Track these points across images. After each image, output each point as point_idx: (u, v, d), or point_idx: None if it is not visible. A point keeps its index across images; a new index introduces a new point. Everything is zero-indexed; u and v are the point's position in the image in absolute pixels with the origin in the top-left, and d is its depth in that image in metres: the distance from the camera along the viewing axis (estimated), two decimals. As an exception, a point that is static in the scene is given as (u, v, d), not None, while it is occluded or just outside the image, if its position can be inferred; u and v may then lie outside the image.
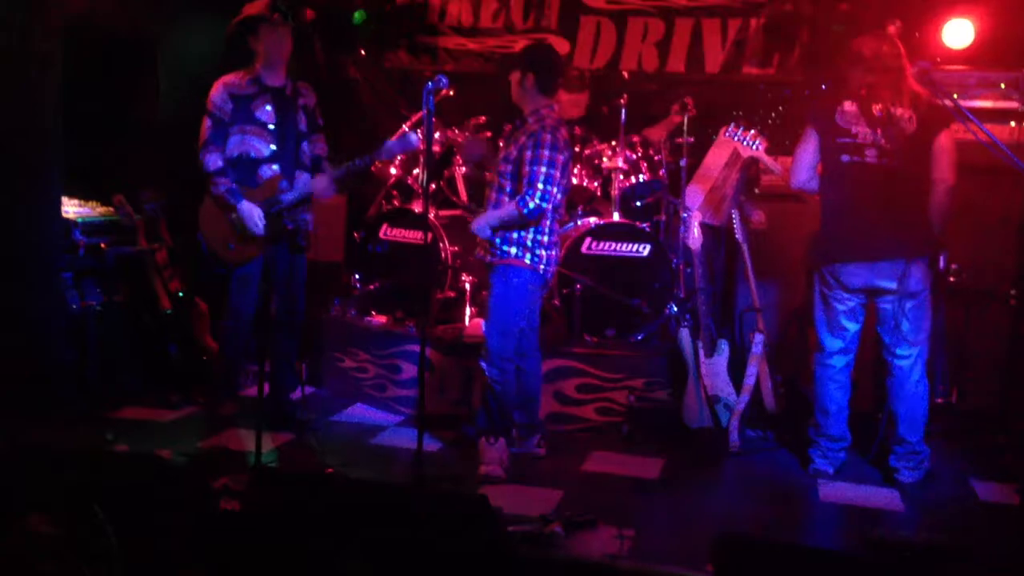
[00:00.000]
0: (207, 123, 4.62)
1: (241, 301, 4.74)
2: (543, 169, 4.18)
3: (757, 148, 4.89)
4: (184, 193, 5.74)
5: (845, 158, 4.20)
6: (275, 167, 4.67)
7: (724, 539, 2.83)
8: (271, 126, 4.67)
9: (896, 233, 4.13)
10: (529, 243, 4.30)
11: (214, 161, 4.61)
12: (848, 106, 4.21)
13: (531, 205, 4.18)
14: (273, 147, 4.67)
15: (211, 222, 4.70)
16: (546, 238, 4.33)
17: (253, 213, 4.59)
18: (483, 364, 4.37)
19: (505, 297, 4.32)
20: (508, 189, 4.31)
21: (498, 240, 4.33)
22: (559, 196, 4.33)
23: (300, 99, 4.76)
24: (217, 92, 4.63)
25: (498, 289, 4.35)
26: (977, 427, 4.83)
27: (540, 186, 4.18)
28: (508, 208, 4.25)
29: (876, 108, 4.14)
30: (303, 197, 4.73)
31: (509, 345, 4.36)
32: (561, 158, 4.24)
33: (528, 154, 4.21)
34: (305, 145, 4.79)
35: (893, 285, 4.15)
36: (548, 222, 4.35)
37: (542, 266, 4.34)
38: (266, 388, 5.18)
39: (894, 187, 4.13)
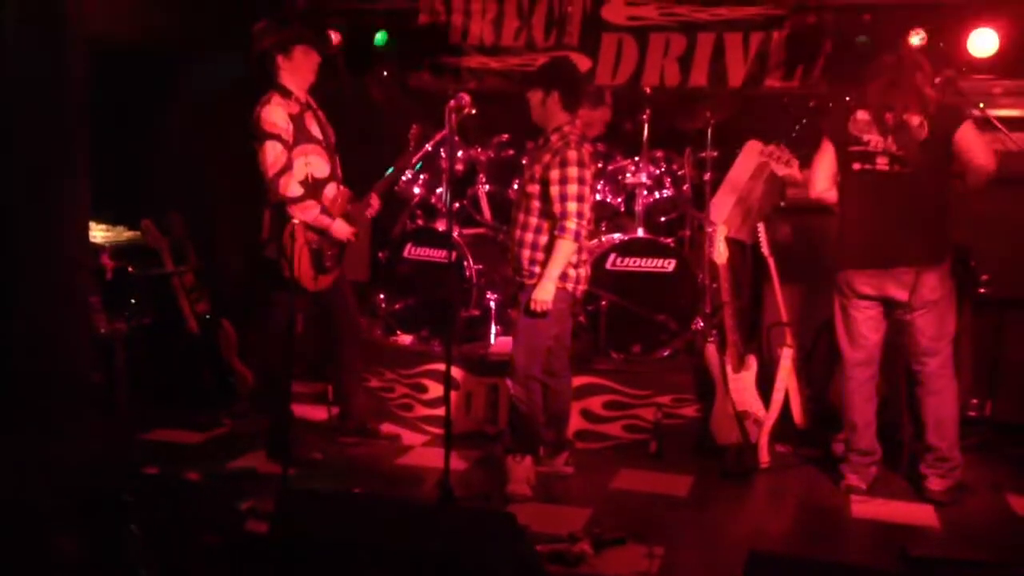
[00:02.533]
0: (278, 148, 4.39)
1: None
2: (573, 188, 4.12)
3: (791, 165, 4.82)
4: (209, 215, 5.81)
5: (857, 166, 4.21)
6: (333, 184, 4.62)
7: (756, 557, 2.79)
8: (324, 142, 4.59)
9: (906, 241, 4.11)
10: None
11: (295, 188, 4.43)
12: (861, 115, 4.21)
13: (571, 226, 4.13)
14: (328, 164, 4.60)
15: (298, 253, 4.42)
16: (574, 256, 4.29)
17: (345, 227, 4.61)
18: (509, 382, 4.35)
19: (532, 316, 4.30)
20: (537, 208, 4.26)
21: (527, 261, 4.31)
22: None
23: (319, 112, 4.69)
24: (277, 114, 4.42)
25: (525, 308, 4.32)
26: (1012, 440, 4.76)
27: (573, 206, 4.12)
28: (557, 250, 4.16)
29: (888, 116, 4.13)
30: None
31: (535, 364, 4.32)
32: (588, 173, 4.20)
33: (555, 173, 4.15)
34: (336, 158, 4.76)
35: (904, 296, 4.12)
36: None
37: (570, 285, 4.30)
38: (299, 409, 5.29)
39: (906, 195, 4.12)
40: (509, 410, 4.44)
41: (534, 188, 4.25)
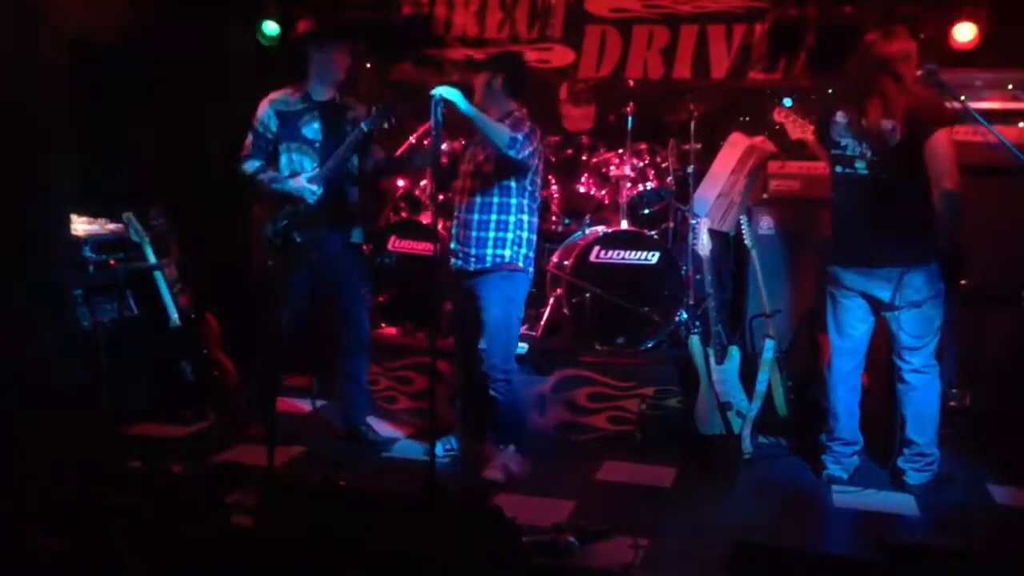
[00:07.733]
0: (249, 139, 4.69)
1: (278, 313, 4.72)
2: (525, 130, 4.18)
3: (805, 130, 4.76)
4: (193, 208, 5.78)
5: (838, 169, 4.23)
6: (316, 183, 4.62)
7: (739, 547, 2.81)
8: (317, 143, 4.67)
9: (887, 244, 4.12)
10: (523, 243, 4.33)
11: (252, 164, 4.67)
12: (839, 117, 4.22)
13: (518, 136, 4.13)
14: (317, 164, 4.65)
15: (257, 241, 4.71)
16: (534, 236, 4.40)
17: (302, 184, 4.58)
18: (488, 379, 4.37)
19: (506, 309, 4.30)
20: (496, 187, 4.28)
21: (490, 245, 4.29)
22: (538, 189, 4.37)
23: (349, 112, 4.74)
24: (263, 109, 4.68)
25: (496, 301, 4.31)
26: (992, 430, 4.80)
27: (522, 133, 4.16)
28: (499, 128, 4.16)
29: (864, 120, 4.13)
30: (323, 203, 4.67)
31: (512, 355, 4.37)
32: (536, 137, 4.24)
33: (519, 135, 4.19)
34: (356, 160, 4.77)
35: (887, 296, 4.14)
36: (535, 218, 4.39)
37: (531, 268, 4.40)
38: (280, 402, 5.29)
39: (885, 198, 4.12)
40: (491, 404, 4.44)
41: (489, 167, 4.26)
